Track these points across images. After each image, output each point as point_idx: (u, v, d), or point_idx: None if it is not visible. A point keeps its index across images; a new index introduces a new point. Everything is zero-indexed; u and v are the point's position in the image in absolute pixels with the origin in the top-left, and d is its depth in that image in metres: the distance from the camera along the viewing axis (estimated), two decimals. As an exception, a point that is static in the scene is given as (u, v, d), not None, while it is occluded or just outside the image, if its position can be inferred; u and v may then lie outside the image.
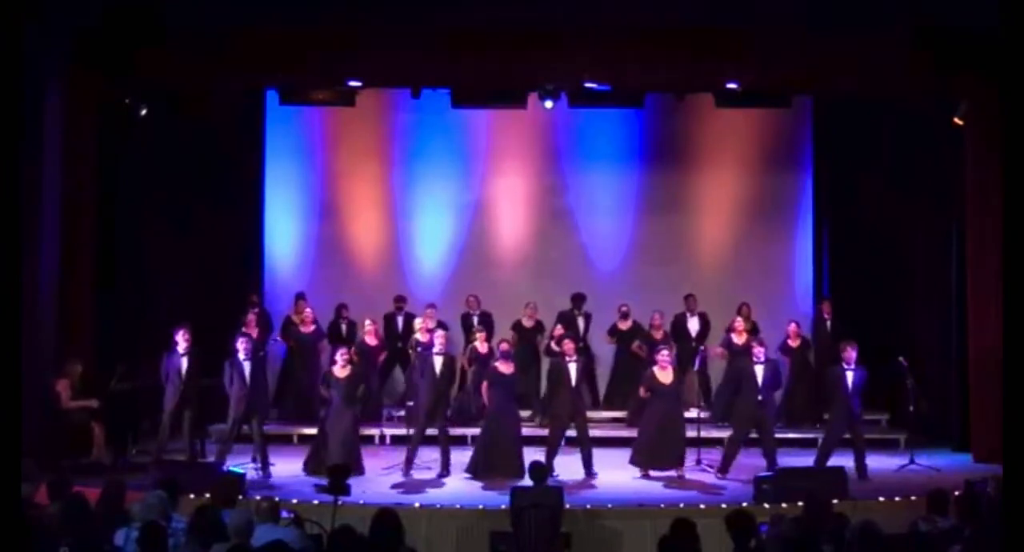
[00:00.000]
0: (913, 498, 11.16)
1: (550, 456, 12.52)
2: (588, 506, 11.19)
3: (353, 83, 14.58)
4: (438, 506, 11.18)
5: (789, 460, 12.75)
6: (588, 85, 14.22)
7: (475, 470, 12.55)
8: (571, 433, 12.89)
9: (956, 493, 9.22)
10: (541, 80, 14.17)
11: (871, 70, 13.70)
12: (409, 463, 12.69)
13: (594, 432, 13.31)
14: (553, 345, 14.73)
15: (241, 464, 12.47)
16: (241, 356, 12.61)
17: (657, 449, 12.62)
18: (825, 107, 16.24)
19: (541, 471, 11.01)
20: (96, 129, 13.93)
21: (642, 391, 12.82)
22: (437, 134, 16.45)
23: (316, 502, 10.55)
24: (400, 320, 15.66)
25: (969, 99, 13.76)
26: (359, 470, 12.36)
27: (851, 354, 12.60)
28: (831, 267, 16.52)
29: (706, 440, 13.56)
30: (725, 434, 13.40)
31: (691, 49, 13.73)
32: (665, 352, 12.90)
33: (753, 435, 12.83)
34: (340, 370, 12.69)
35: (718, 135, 16.52)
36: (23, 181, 9.29)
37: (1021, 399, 6.67)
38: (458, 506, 11.21)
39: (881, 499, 11.38)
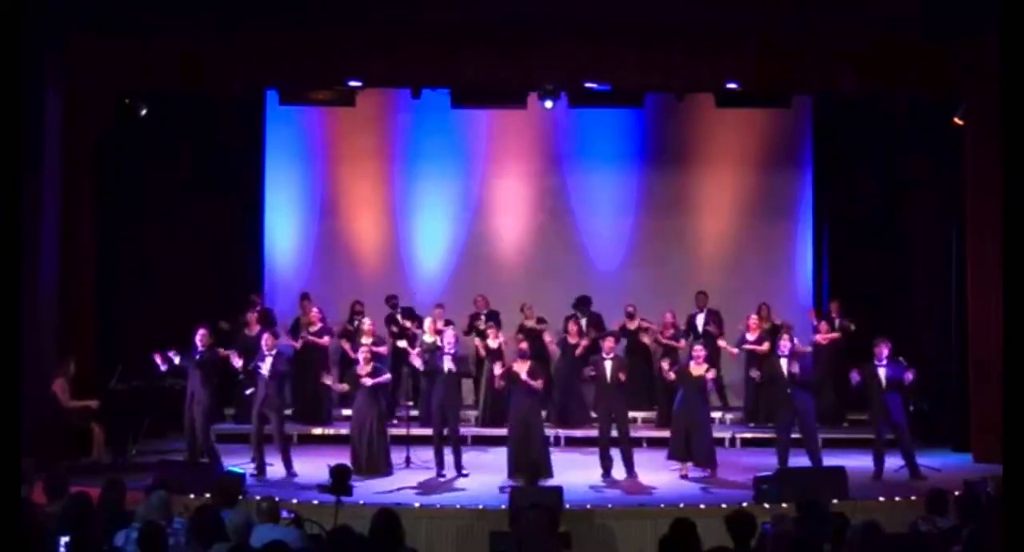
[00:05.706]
0: (913, 498, 11.18)
1: (604, 454, 12.58)
2: (588, 506, 11.18)
3: (353, 83, 14.59)
4: (438, 506, 11.19)
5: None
6: (588, 85, 14.24)
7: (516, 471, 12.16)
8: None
9: (956, 493, 9.22)
10: (541, 80, 14.19)
11: (871, 70, 13.71)
12: (439, 464, 12.65)
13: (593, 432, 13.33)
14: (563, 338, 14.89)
15: (241, 464, 12.48)
16: (266, 351, 12.64)
17: (689, 443, 12.59)
18: (825, 107, 16.23)
19: (539, 471, 11.00)
20: (96, 129, 13.93)
21: (666, 372, 12.90)
22: (437, 134, 16.44)
23: (316, 502, 10.56)
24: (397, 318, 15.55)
25: (969, 99, 13.76)
26: (388, 470, 12.57)
27: (882, 351, 12.59)
28: (831, 267, 16.50)
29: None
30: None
31: (691, 49, 13.75)
32: (700, 348, 12.93)
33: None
34: (363, 369, 12.72)
35: (718, 135, 16.52)
36: (23, 181, 9.28)
37: (1021, 399, 6.65)
38: (458, 506, 11.21)
39: (881, 499, 11.39)
